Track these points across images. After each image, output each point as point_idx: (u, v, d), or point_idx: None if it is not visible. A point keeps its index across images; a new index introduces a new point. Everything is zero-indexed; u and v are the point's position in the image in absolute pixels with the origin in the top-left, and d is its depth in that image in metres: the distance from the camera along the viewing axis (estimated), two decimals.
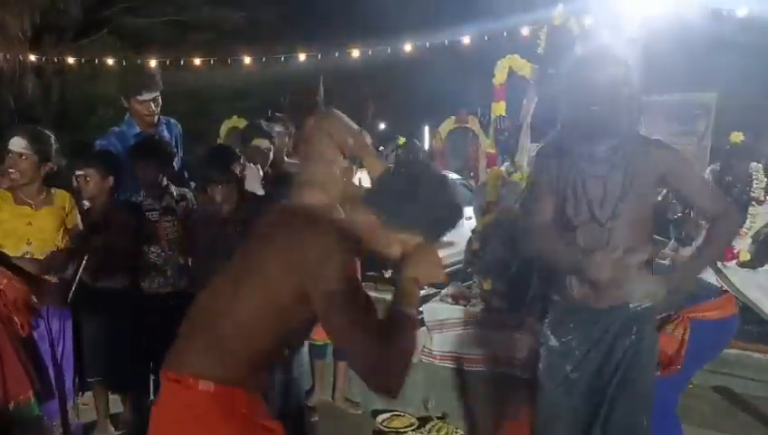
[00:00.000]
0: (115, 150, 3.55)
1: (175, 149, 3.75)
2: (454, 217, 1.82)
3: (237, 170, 3.46)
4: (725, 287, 2.89)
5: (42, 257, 2.91)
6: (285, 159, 4.31)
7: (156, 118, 3.67)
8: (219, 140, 8.11)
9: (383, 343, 1.53)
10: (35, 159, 2.93)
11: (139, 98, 3.59)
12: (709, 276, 3.02)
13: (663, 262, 2.96)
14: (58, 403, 2.98)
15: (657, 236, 5.16)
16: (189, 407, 1.59)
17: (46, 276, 2.91)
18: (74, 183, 3.28)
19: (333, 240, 1.61)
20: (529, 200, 2.99)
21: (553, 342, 2.48)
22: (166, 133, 3.74)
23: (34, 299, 2.71)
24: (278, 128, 4.28)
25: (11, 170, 2.93)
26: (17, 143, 2.90)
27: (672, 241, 4.59)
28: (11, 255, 2.82)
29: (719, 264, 2.97)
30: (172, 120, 3.89)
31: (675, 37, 7.41)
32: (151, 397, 3.54)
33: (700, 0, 7.33)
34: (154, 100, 3.61)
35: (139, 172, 3.33)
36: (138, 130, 3.64)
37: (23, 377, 2.51)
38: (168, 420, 1.63)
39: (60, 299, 3.03)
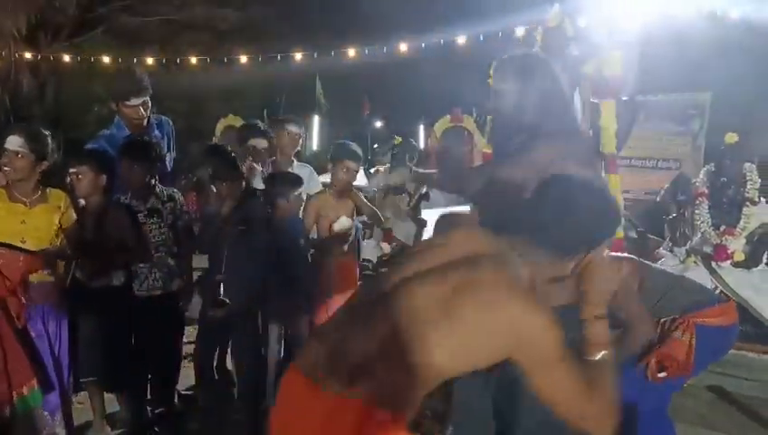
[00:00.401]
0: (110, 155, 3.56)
1: (165, 150, 3.74)
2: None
3: (244, 168, 3.50)
4: (720, 287, 2.91)
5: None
6: (294, 160, 4.34)
7: (145, 121, 3.67)
8: (215, 139, 8.12)
9: (590, 401, 1.44)
10: (32, 157, 2.93)
11: (128, 103, 3.58)
12: (703, 278, 3.05)
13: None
14: (60, 399, 2.99)
15: (652, 236, 5.21)
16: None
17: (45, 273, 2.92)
18: (68, 181, 3.27)
19: (545, 314, 1.44)
20: None
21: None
22: (157, 133, 3.73)
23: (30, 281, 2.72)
24: (293, 127, 4.29)
25: (6, 169, 2.92)
26: (14, 141, 2.90)
27: (667, 241, 4.63)
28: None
29: (714, 264, 2.99)
30: (164, 118, 3.89)
31: (669, 38, 7.44)
32: (147, 396, 3.55)
33: (695, 1, 7.36)
34: (143, 104, 3.61)
35: (124, 173, 3.33)
36: (127, 132, 3.64)
37: (26, 367, 2.52)
38: None
39: (56, 298, 3.04)
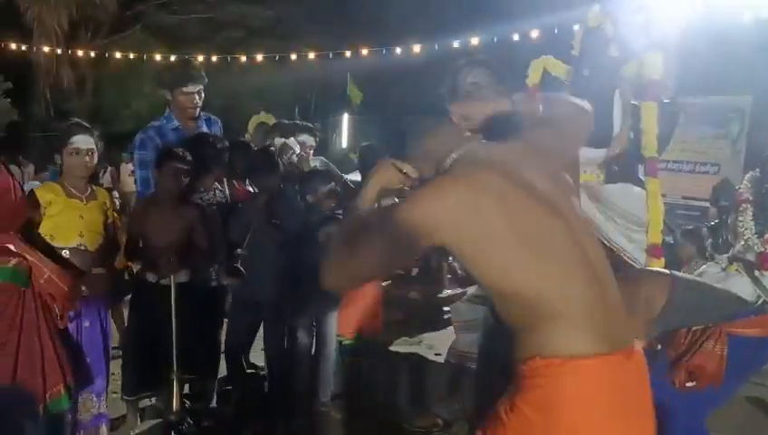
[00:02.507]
0: (153, 144, 3.59)
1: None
2: None
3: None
4: (763, 297, 2.83)
5: (93, 250, 2.97)
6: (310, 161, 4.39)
7: (197, 111, 3.69)
8: (247, 135, 8.19)
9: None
10: (97, 154, 3.01)
11: (184, 89, 3.59)
12: (745, 286, 2.97)
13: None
14: (105, 382, 3.07)
15: (685, 241, 5.10)
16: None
17: (96, 269, 2.97)
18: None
19: None
20: None
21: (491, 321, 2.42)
22: (206, 129, 3.76)
23: (82, 291, 2.76)
24: (304, 138, 4.35)
25: (84, 167, 2.99)
26: (86, 140, 2.97)
27: (708, 247, 4.53)
28: (63, 246, 2.87)
29: (757, 273, 2.91)
30: (213, 117, 3.91)
31: (709, 39, 7.30)
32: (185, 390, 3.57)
33: (736, 2, 7.20)
34: (198, 92, 3.64)
35: (203, 169, 3.40)
36: (176, 124, 3.66)
37: (57, 370, 2.56)
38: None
39: (105, 291, 3.09)
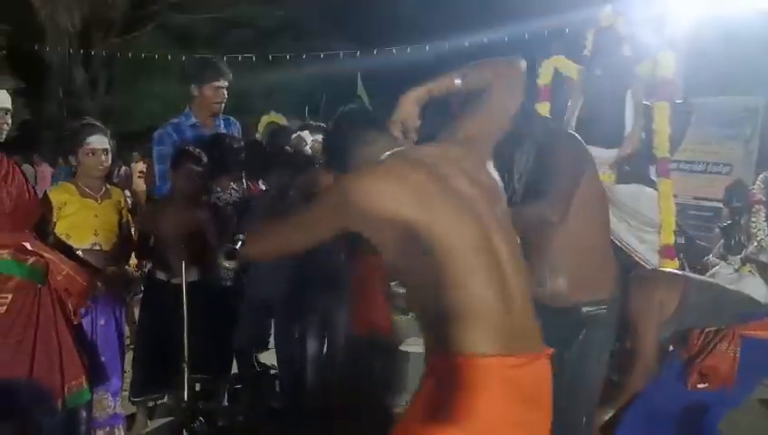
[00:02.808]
0: (170, 140, 3.62)
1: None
2: None
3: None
4: None
5: (108, 249, 3.01)
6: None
7: (222, 107, 3.72)
8: (257, 135, 8.21)
9: None
10: (110, 153, 3.04)
11: (215, 84, 3.61)
12: (758, 286, 2.96)
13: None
14: (120, 381, 3.09)
15: (702, 243, 5.08)
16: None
17: (111, 268, 2.99)
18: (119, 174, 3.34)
19: None
20: None
21: None
22: (223, 129, 3.77)
23: (97, 289, 2.78)
24: (317, 138, 4.36)
25: (100, 167, 3.02)
26: (101, 140, 3.01)
27: (718, 247, 4.51)
28: (78, 246, 2.90)
29: None
30: (231, 119, 3.92)
31: (723, 39, 7.26)
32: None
33: (748, 2, 7.15)
34: (225, 88, 3.67)
35: (220, 167, 3.41)
36: (194, 120, 3.69)
37: (77, 362, 2.58)
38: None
39: (120, 290, 3.11)
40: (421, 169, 1.63)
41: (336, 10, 17.00)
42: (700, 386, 2.58)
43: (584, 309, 2.29)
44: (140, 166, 8.25)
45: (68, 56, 14.62)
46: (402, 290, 5.07)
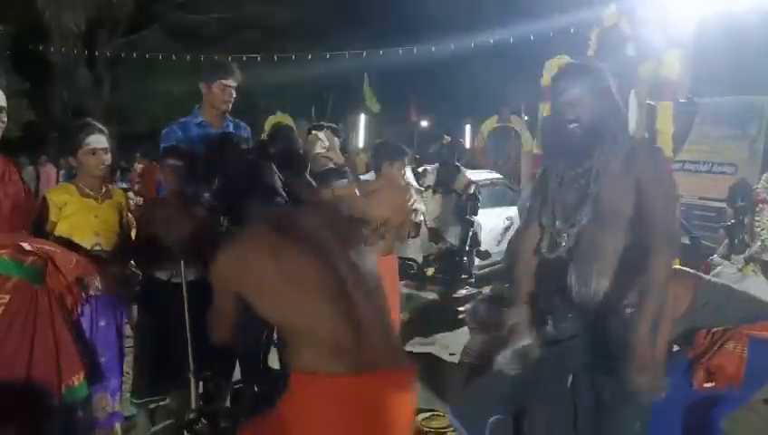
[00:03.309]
0: (175, 138, 3.65)
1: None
2: None
3: None
4: None
5: (109, 250, 3.01)
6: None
7: (229, 106, 3.74)
8: (263, 135, 8.22)
9: None
10: (110, 153, 3.05)
11: (223, 82, 3.64)
12: (761, 287, 2.95)
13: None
14: (120, 381, 3.08)
15: (706, 243, 5.07)
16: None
17: (112, 269, 3.00)
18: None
19: None
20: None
21: (549, 327, 2.45)
22: (233, 131, 3.78)
23: (96, 284, 2.79)
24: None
25: (101, 166, 3.03)
26: (101, 139, 3.02)
27: (722, 246, 4.50)
28: (81, 247, 2.91)
29: None
30: (242, 123, 3.93)
31: (728, 39, 7.24)
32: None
33: (753, 2, 7.13)
34: (234, 88, 3.70)
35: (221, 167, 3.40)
36: (201, 119, 3.71)
37: (76, 359, 2.59)
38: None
39: (121, 290, 3.12)
40: (280, 228, 1.92)
41: (342, 10, 17.03)
42: (707, 385, 2.58)
43: (628, 310, 2.26)
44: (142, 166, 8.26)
45: (72, 57, 14.66)
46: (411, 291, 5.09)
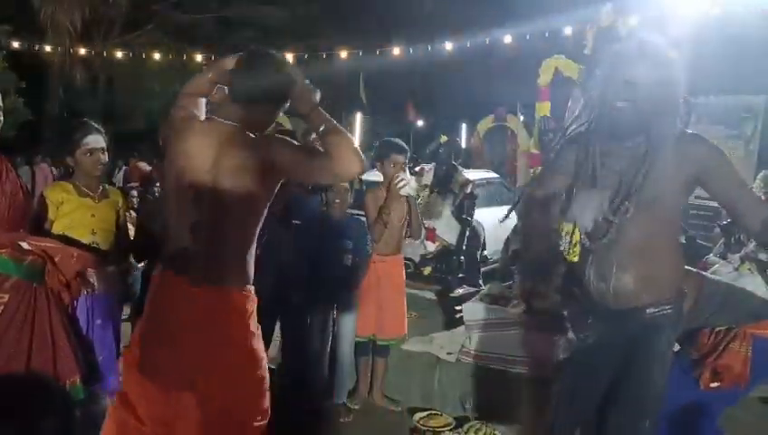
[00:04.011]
0: None
1: None
2: None
3: None
4: None
5: (106, 249, 3.02)
6: None
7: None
8: None
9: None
10: (106, 152, 3.07)
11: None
12: (757, 285, 2.96)
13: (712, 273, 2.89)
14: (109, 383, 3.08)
15: (702, 242, 5.08)
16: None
17: (109, 268, 3.01)
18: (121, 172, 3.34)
19: None
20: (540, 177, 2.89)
21: (571, 335, 2.39)
22: None
23: (93, 281, 2.79)
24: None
25: (98, 166, 3.05)
26: (98, 139, 3.04)
27: (719, 246, 4.51)
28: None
29: None
30: None
31: (724, 39, 7.27)
32: None
33: (751, 1, 7.16)
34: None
35: None
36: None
37: (71, 361, 2.59)
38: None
39: (118, 289, 3.12)
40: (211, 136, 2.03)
41: (337, 9, 17.02)
42: (713, 385, 2.59)
43: (648, 311, 2.16)
44: (141, 165, 8.27)
45: (69, 56, 14.63)
46: (408, 290, 5.09)
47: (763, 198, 4.02)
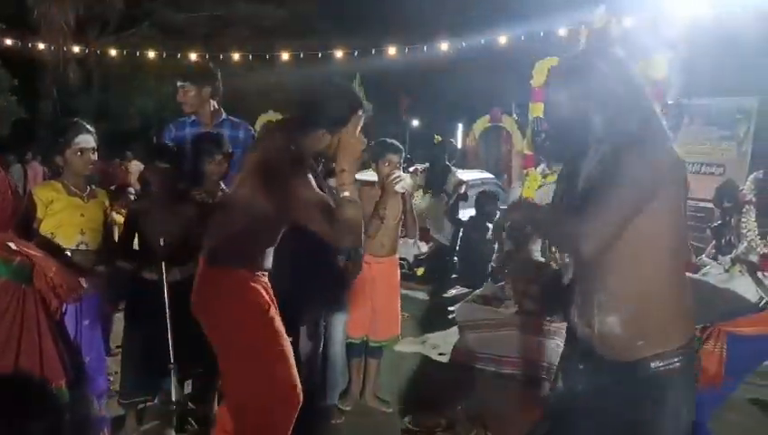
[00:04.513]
0: (170, 136, 3.71)
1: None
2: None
3: None
4: (766, 298, 2.84)
5: (94, 249, 3.02)
6: None
7: (187, 108, 3.76)
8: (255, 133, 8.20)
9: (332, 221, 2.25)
10: (96, 153, 3.06)
11: (178, 83, 3.73)
12: (748, 286, 2.98)
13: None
14: (93, 389, 3.05)
15: (695, 243, 5.10)
16: None
17: (97, 268, 3.00)
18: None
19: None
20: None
21: (563, 365, 2.01)
22: (226, 131, 3.76)
23: (83, 287, 2.78)
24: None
25: (88, 165, 3.03)
26: (89, 139, 3.03)
27: (710, 247, 4.53)
28: (66, 245, 2.91)
29: (760, 274, 2.92)
30: (244, 124, 3.90)
31: (716, 40, 7.28)
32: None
33: (745, 2, 7.18)
34: (186, 90, 3.72)
35: (198, 166, 3.38)
36: (194, 118, 3.77)
37: (57, 365, 2.58)
38: None
39: (106, 290, 3.12)
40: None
41: (333, 9, 17.02)
42: None
43: (653, 365, 1.68)
44: (134, 165, 8.24)
45: (62, 54, 14.57)
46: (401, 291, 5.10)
47: (754, 199, 4.03)
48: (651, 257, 1.71)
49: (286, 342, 2.49)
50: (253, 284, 2.42)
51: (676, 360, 1.69)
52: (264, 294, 2.45)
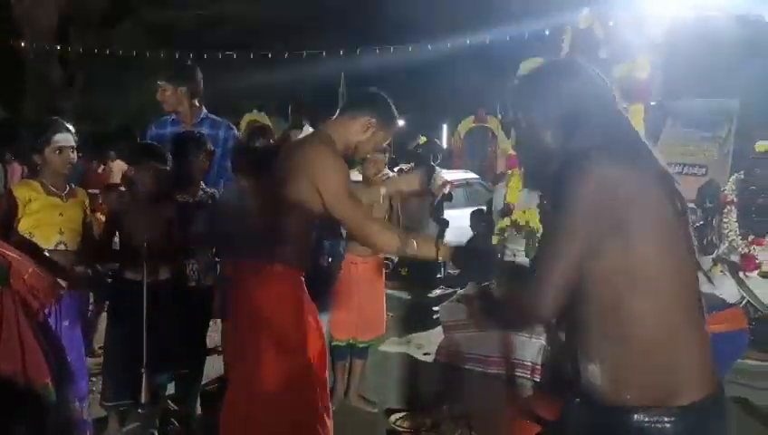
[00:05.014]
0: (151, 135, 3.73)
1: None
2: None
3: None
4: (747, 298, 2.87)
5: (73, 249, 2.98)
6: None
7: (166, 107, 3.76)
8: (240, 134, 8.16)
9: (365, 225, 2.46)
10: (75, 152, 3.03)
11: (158, 82, 3.74)
12: (729, 286, 3.01)
13: None
14: (76, 390, 3.01)
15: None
16: None
17: (77, 268, 2.97)
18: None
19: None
20: None
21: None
22: (206, 130, 3.73)
23: (61, 287, 2.74)
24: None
25: (67, 164, 3.00)
26: (68, 138, 3.00)
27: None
28: (44, 245, 2.87)
29: (741, 274, 2.95)
30: (226, 123, 3.88)
31: (699, 42, 7.35)
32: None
33: (726, 5, 7.26)
34: (164, 89, 3.71)
35: (179, 166, 3.36)
36: (174, 116, 3.77)
37: (42, 364, 2.55)
38: None
39: (85, 290, 3.08)
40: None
41: (319, 9, 16.98)
42: None
43: (636, 416, 1.46)
44: (118, 164, 8.16)
45: (44, 52, 14.40)
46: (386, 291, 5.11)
47: (735, 199, 4.08)
48: (627, 298, 1.46)
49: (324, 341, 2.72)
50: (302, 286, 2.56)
51: (666, 420, 1.45)
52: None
